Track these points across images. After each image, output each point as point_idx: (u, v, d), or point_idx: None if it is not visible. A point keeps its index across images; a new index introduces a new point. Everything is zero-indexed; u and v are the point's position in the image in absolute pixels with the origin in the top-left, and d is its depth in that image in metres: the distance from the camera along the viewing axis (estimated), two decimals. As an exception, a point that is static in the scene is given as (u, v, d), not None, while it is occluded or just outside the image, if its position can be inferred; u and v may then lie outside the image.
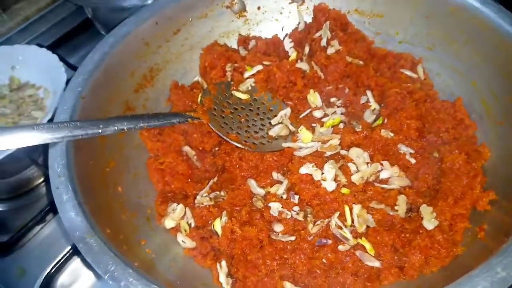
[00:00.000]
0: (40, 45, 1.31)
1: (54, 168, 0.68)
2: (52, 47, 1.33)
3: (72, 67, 1.30)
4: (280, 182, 0.86)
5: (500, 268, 0.55)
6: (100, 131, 0.73)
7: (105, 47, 0.87)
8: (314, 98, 0.98)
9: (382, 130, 0.85)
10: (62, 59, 1.30)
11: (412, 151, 0.85)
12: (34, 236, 1.00)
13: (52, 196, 0.65)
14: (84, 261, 0.91)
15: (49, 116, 1.05)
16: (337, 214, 0.77)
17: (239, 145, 0.88)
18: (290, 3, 1.07)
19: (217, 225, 0.77)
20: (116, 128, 0.75)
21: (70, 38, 1.39)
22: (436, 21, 0.93)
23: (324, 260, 0.74)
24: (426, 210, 0.74)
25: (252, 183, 0.87)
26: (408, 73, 0.96)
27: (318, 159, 0.85)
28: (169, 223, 0.82)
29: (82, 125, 0.71)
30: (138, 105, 0.94)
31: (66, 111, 0.77)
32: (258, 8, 1.07)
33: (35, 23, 1.43)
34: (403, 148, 0.86)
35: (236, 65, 1.02)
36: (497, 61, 0.82)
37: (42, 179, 1.12)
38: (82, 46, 1.39)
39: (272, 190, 0.85)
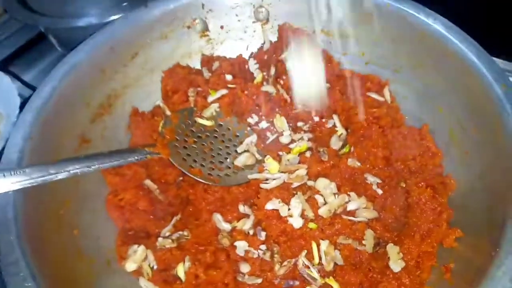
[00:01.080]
0: (-9, 62, 1.24)
1: (1, 224, 0.63)
2: (4, 63, 1.26)
3: (27, 85, 1.23)
4: (247, 216, 0.84)
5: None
6: (51, 177, 0.68)
7: (55, 79, 0.82)
8: (280, 123, 0.95)
9: (349, 160, 0.83)
10: (16, 76, 1.23)
11: (379, 181, 0.84)
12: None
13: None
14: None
15: (2, 144, 0.99)
16: (304, 252, 0.76)
17: (202, 181, 0.84)
18: (254, 22, 1.03)
19: (180, 271, 0.74)
20: (68, 172, 0.70)
21: (24, 53, 1.31)
22: (404, 44, 0.91)
23: (291, 303, 0.72)
24: (392, 250, 0.73)
25: (217, 217, 0.84)
26: (375, 96, 0.95)
27: (285, 192, 0.82)
28: (130, 266, 0.78)
29: (30, 172, 0.66)
30: (96, 137, 0.89)
31: (13, 156, 0.71)
32: (221, 27, 1.02)
33: (-16, 39, 1.34)
34: (370, 178, 0.84)
35: (199, 89, 0.98)
36: (462, 89, 0.81)
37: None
38: (37, 61, 1.32)
39: (239, 225, 0.83)
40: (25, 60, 1.30)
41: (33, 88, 1.19)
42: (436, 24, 0.83)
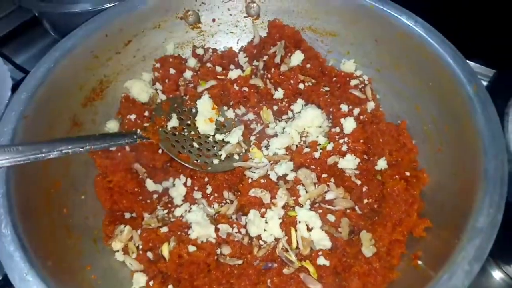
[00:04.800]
0: (-17, 44, 1.24)
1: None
2: (-3, 46, 1.27)
3: (19, 68, 1.24)
4: (231, 202, 0.88)
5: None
6: (43, 155, 0.71)
7: (50, 61, 0.84)
8: (267, 115, 0.99)
9: (330, 156, 0.87)
10: (7, 58, 1.24)
11: (357, 172, 0.89)
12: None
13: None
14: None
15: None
16: (284, 238, 0.80)
17: (190, 166, 0.88)
18: (245, 17, 1.06)
19: (165, 250, 0.78)
20: (60, 151, 0.73)
21: (16, 36, 1.32)
22: (385, 44, 0.95)
23: (269, 284, 0.76)
24: (365, 237, 0.77)
25: (202, 202, 0.87)
26: (357, 93, 0.99)
27: (267, 180, 0.86)
28: (116, 245, 0.82)
29: (23, 149, 0.69)
30: (87, 120, 0.92)
31: (6, 133, 0.74)
32: (213, 20, 1.06)
33: (-23, 20, 1.35)
34: (348, 170, 0.89)
35: (189, 79, 1.01)
36: (437, 89, 0.86)
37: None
38: (30, 44, 1.33)
39: (222, 210, 0.86)
40: (18, 43, 1.32)
41: (24, 71, 1.20)
42: (417, 26, 0.88)
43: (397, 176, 0.84)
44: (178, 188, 0.89)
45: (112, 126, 0.94)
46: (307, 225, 0.81)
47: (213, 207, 0.87)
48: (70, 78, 0.88)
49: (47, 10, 1.11)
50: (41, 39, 1.34)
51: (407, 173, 0.85)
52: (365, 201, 0.86)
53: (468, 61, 0.81)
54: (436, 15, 0.88)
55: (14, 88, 1.05)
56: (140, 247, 0.82)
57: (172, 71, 1.00)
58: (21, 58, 1.31)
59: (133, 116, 0.94)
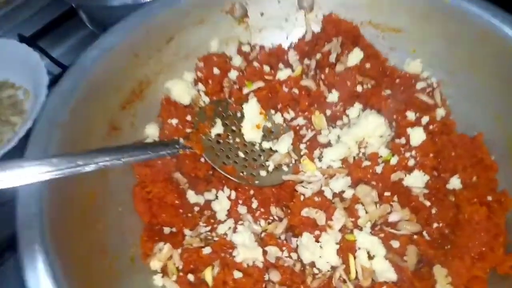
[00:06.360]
0: (21, 36, 1.20)
1: (23, 219, 0.60)
2: (33, 38, 1.22)
3: (55, 61, 1.19)
4: (280, 219, 0.79)
5: None
6: (79, 168, 0.64)
7: (87, 61, 0.77)
8: (319, 120, 0.89)
9: (394, 171, 0.77)
10: (44, 52, 1.19)
11: (426, 192, 0.78)
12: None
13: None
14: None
15: (29, 125, 0.95)
16: (342, 266, 0.70)
17: (236, 180, 0.80)
18: (297, 10, 0.96)
19: (208, 275, 0.70)
20: (97, 164, 0.66)
21: (53, 28, 1.27)
22: (460, 43, 0.83)
23: (324, 319, 0.67)
24: (440, 273, 0.67)
25: (248, 218, 0.79)
26: (424, 98, 0.87)
27: (322, 197, 0.77)
28: (155, 264, 0.75)
29: (58, 163, 0.62)
30: (125, 124, 0.85)
31: (39, 142, 0.68)
32: (261, 14, 0.96)
33: (14, 11, 1.30)
34: (415, 189, 0.78)
35: (234, 79, 0.92)
36: (527, 98, 0.74)
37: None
38: (66, 37, 1.28)
39: (270, 228, 0.78)
40: (54, 36, 1.27)
41: (61, 65, 1.15)
42: (504, 24, 0.75)
43: (475, 200, 0.72)
44: (221, 202, 0.81)
45: (152, 131, 0.86)
46: (368, 253, 0.71)
47: (259, 224, 0.79)
48: (108, 79, 0.81)
49: (86, 3, 1.05)
50: (78, 31, 1.28)
51: (489, 198, 0.73)
52: (435, 225, 0.75)
53: None
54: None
55: (51, 83, 1.00)
56: (180, 267, 0.75)
57: (216, 71, 0.92)
58: (58, 51, 1.25)
59: (174, 121, 0.87)
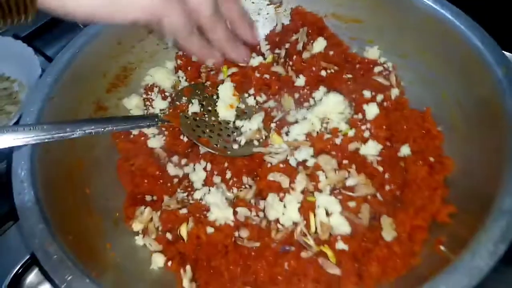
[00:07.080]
0: (16, 36, 1.29)
1: (17, 173, 0.68)
2: (28, 39, 1.31)
3: (50, 59, 1.28)
4: (250, 187, 0.88)
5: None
6: (66, 134, 0.73)
7: (75, 46, 0.87)
8: (288, 102, 0.98)
9: (351, 142, 0.86)
10: (38, 51, 1.29)
11: (380, 159, 0.87)
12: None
13: (13, 202, 0.65)
14: (42, 271, 0.87)
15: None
16: (303, 222, 0.79)
17: (209, 149, 0.88)
18: (268, 5, 1.07)
19: (183, 231, 0.78)
20: (83, 131, 0.75)
21: (47, 30, 1.37)
22: (410, 29, 0.93)
23: (286, 267, 0.75)
24: (386, 221, 0.75)
25: (222, 186, 0.88)
26: (381, 80, 0.97)
27: (287, 165, 0.86)
28: (136, 225, 0.83)
29: (48, 128, 0.71)
30: (111, 105, 0.94)
31: (32, 113, 0.77)
32: (236, 8, 1.06)
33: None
34: (370, 156, 0.87)
35: (211, 66, 1.02)
36: (465, 74, 0.83)
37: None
38: (60, 38, 1.37)
39: (241, 194, 0.86)
40: (49, 36, 1.36)
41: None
42: (444, 10, 0.85)
43: (420, 162, 0.82)
44: (198, 173, 0.89)
45: (137, 112, 0.95)
46: (326, 210, 0.79)
47: (232, 192, 0.87)
48: (94, 64, 0.90)
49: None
50: (72, 32, 1.37)
51: (431, 159, 0.82)
52: (387, 187, 0.83)
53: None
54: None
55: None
56: (160, 228, 0.83)
57: (194, 58, 1.01)
58: (51, 50, 1.35)
59: (155, 102, 0.96)
